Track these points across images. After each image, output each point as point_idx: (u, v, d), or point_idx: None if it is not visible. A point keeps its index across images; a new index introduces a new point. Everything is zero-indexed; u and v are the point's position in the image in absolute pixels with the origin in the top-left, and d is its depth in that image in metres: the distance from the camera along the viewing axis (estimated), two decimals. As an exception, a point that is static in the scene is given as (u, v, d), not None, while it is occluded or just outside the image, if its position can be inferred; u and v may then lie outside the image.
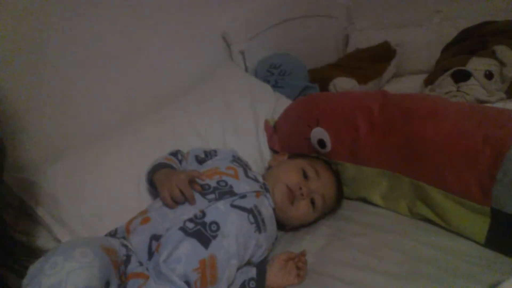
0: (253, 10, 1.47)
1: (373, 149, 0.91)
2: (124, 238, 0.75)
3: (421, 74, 1.54)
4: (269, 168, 1.02)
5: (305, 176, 0.89)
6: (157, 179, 0.83)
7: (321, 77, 1.46)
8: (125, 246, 0.72)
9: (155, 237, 0.72)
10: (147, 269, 0.70)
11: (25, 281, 0.55)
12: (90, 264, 0.55)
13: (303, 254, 0.79)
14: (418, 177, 0.84)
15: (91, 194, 0.86)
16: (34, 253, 0.76)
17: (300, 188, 0.86)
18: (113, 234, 0.78)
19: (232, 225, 0.75)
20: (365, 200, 0.97)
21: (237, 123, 1.12)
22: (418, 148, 0.83)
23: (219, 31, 1.37)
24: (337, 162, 0.97)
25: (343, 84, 1.35)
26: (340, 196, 0.96)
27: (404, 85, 1.55)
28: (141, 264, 0.71)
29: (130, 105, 1.10)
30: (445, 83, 1.23)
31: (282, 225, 0.91)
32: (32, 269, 0.55)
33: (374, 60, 1.57)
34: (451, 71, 1.24)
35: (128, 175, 0.90)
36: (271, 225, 0.84)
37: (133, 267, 0.69)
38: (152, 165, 0.88)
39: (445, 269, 0.73)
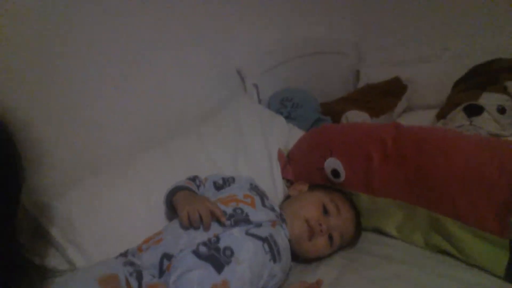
0: (267, 46, 1.53)
1: (387, 180, 0.91)
2: (133, 256, 0.76)
3: (433, 109, 1.55)
4: (288, 197, 1.02)
5: (325, 211, 0.88)
6: (177, 200, 0.84)
7: (333, 110, 1.49)
8: (132, 263, 0.71)
9: (167, 256, 0.72)
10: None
11: None
12: None
13: (318, 283, 0.77)
14: (433, 208, 0.83)
15: (105, 217, 0.87)
16: (47, 274, 0.76)
17: (320, 225, 0.86)
18: (123, 254, 0.78)
19: (247, 252, 0.75)
20: (379, 231, 0.96)
21: (250, 153, 1.14)
22: (432, 179, 0.83)
23: (234, 65, 1.42)
24: (351, 192, 0.97)
25: (356, 117, 1.37)
26: (358, 234, 0.95)
27: (416, 119, 1.56)
28: (154, 277, 0.70)
29: (142, 131, 1.12)
30: (458, 117, 1.24)
31: (295, 256, 0.90)
32: None
33: (385, 94, 1.60)
34: (464, 105, 1.25)
35: (141, 199, 0.92)
36: (286, 255, 0.83)
37: (147, 279, 0.69)
38: (172, 187, 0.89)
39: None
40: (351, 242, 0.93)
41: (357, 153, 0.95)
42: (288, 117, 1.36)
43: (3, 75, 0.85)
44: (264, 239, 0.79)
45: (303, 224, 0.86)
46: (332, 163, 0.97)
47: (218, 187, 0.94)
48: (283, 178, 1.11)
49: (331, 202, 0.90)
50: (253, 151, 1.14)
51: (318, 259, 0.90)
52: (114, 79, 1.06)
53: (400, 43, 1.87)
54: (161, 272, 0.71)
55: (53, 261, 0.81)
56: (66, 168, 0.96)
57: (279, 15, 1.61)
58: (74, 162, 0.98)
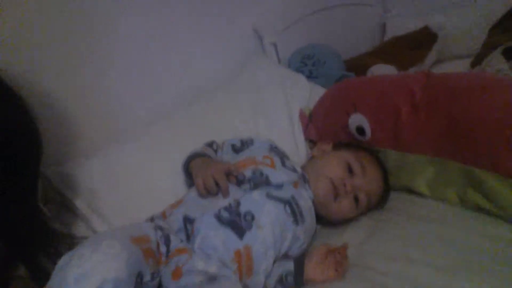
0: (284, 1, 1.44)
1: (417, 134, 0.85)
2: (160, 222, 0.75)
3: (467, 59, 1.44)
4: (312, 158, 0.98)
5: (350, 171, 0.84)
6: (192, 167, 0.82)
7: (357, 65, 1.40)
8: (161, 228, 0.70)
9: (189, 220, 0.71)
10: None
11: (53, 272, 0.55)
12: (116, 256, 0.53)
13: (344, 247, 0.74)
14: (468, 161, 0.77)
15: (127, 186, 0.86)
16: (75, 241, 0.77)
17: (345, 185, 0.81)
18: (150, 219, 0.78)
19: (268, 215, 0.73)
20: (410, 190, 0.91)
21: (271, 115, 1.10)
22: (466, 129, 0.76)
23: (250, 24, 1.35)
24: (378, 149, 0.91)
25: (382, 71, 1.29)
26: (386, 195, 0.90)
27: (448, 70, 1.45)
28: (182, 241, 0.70)
29: (162, 100, 1.10)
30: (495, 61, 1.13)
31: (320, 218, 0.87)
32: (61, 261, 0.55)
33: (414, 46, 1.49)
34: (502, 47, 1.14)
35: (163, 167, 0.90)
36: (309, 217, 0.80)
37: (175, 244, 0.68)
38: (188, 155, 0.87)
39: (497, 260, 0.66)
40: (379, 203, 0.89)
41: (383, 107, 0.88)
42: (309, 76, 1.29)
43: (27, 49, 0.84)
44: (285, 201, 0.76)
45: (327, 184, 0.82)
46: (356, 119, 0.91)
47: (236, 149, 0.91)
48: (306, 139, 1.07)
49: (356, 161, 0.85)
50: (273, 113, 1.10)
51: (345, 221, 0.87)
52: (131, 50, 1.03)
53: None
54: (188, 236, 0.70)
55: (79, 231, 0.82)
56: (90, 137, 0.96)
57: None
58: (97, 132, 0.98)
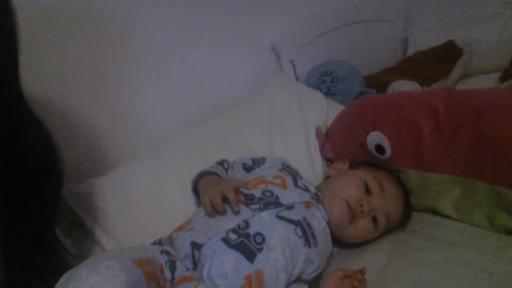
0: (302, 17, 1.43)
1: (440, 153, 0.80)
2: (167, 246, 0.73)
3: (495, 74, 1.38)
4: (327, 177, 0.94)
5: (368, 191, 0.80)
6: (200, 186, 0.80)
7: (378, 82, 1.36)
8: (168, 253, 0.68)
9: (196, 245, 0.68)
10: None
11: None
12: (115, 278, 0.51)
13: (362, 272, 0.69)
14: (497, 181, 0.72)
15: (138, 206, 0.85)
16: None
17: (361, 206, 0.77)
18: (157, 243, 0.75)
19: (278, 237, 0.69)
20: (434, 211, 0.85)
21: (286, 132, 1.07)
22: (494, 147, 0.71)
23: (268, 40, 1.35)
24: (399, 169, 0.87)
25: (403, 87, 1.24)
26: (407, 215, 0.85)
27: (474, 86, 1.39)
28: (188, 269, 0.67)
29: (177, 116, 1.10)
30: (524, 77, 1.08)
31: (337, 241, 0.83)
32: (61, 280, 0.54)
33: (438, 61, 1.44)
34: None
35: (174, 186, 0.89)
36: (323, 239, 0.76)
37: (180, 271, 0.65)
38: (197, 173, 0.85)
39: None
40: (399, 224, 0.84)
41: (404, 125, 0.84)
42: (327, 93, 1.26)
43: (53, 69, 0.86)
44: (296, 223, 0.73)
45: (342, 205, 0.78)
46: (375, 137, 0.87)
47: (247, 168, 0.89)
48: (322, 157, 1.03)
49: (374, 180, 0.81)
50: (289, 131, 1.07)
51: (363, 243, 0.82)
52: (146, 65, 1.04)
53: (455, 2, 1.66)
54: (195, 263, 0.67)
55: (90, 250, 0.81)
56: (101, 155, 0.97)
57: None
58: (111, 150, 0.99)
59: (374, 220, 0.79)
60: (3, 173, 0.56)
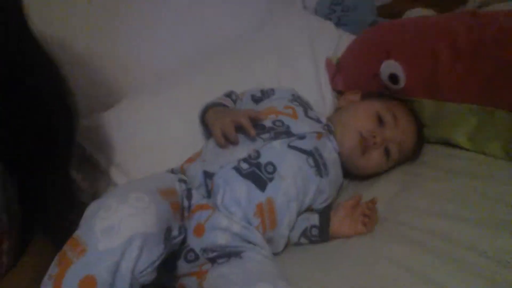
0: None
1: (459, 80, 0.76)
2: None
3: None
4: (338, 109, 0.91)
5: (381, 121, 0.78)
6: (209, 117, 0.78)
7: (391, 12, 1.28)
8: (184, 181, 0.68)
9: (208, 175, 0.68)
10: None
11: (80, 222, 0.53)
12: (145, 210, 0.50)
13: (373, 201, 0.69)
14: (519, 109, 0.69)
15: (146, 138, 0.84)
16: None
17: (374, 136, 0.75)
18: (171, 171, 0.75)
19: (290, 166, 0.68)
20: (447, 142, 0.83)
21: (295, 65, 1.03)
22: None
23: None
24: (412, 99, 0.83)
25: (419, 15, 1.17)
26: (419, 147, 0.83)
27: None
28: (203, 197, 0.67)
29: (182, 50, 1.05)
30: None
31: (348, 172, 0.82)
32: (88, 210, 0.53)
33: (457, -14, 1.34)
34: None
35: (182, 118, 0.87)
36: (334, 169, 0.76)
37: (196, 199, 0.66)
38: (204, 105, 0.82)
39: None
40: (411, 156, 0.82)
41: (421, 51, 0.80)
42: (338, 23, 1.20)
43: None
44: (308, 152, 0.71)
45: (354, 136, 0.76)
46: (389, 66, 0.83)
47: (256, 100, 0.86)
48: (333, 89, 1.00)
49: (387, 110, 0.78)
50: (299, 64, 1.03)
51: (374, 175, 0.81)
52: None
53: None
54: (208, 191, 0.67)
55: (99, 185, 0.81)
56: (109, 90, 0.94)
57: None
58: (116, 84, 0.96)
59: (387, 151, 0.78)
60: (13, 107, 0.54)
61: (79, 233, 0.49)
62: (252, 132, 0.69)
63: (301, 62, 1.03)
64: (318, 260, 0.65)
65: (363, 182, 0.82)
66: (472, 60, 0.74)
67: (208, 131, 0.81)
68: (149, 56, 1.01)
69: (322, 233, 0.68)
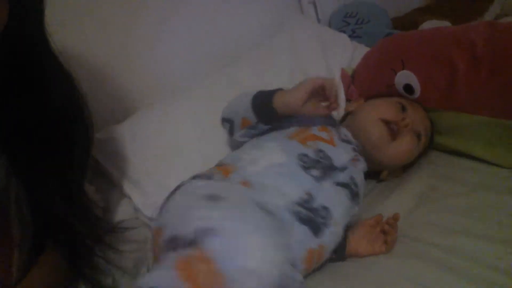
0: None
1: (476, 92, 0.74)
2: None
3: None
4: (348, 114, 0.87)
5: (403, 108, 0.76)
6: (280, 97, 0.71)
7: (407, 23, 1.27)
8: None
9: (260, 205, 0.58)
10: None
11: None
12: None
13: (395, 217, 0.66)
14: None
15: (159, 152, 0.84)
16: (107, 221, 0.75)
17: (404, 119, 0.73)
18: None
19: (341, 209, 0.64)
20: (462, 154, 0.81)
21: (309, 75, 1.02)
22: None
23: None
24: (428, 109, 0.81)
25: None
26: (433, 132, 0.82)
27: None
28: None
29: (195, 61, 1.06)
30: None
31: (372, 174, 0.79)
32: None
33: (473, -1, 1.33)
34: None
35: (196, 131, 0.87)
36: (363, 190, 0.71)
37: None
38: (257, 92, 0.75)
39: None
40: (430, 142, 0.82)
41: (436, 62, 0.78)
42: (352, 36, 1.19)
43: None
44: (347, 185, 0.67)
45: (379, 123, 0.74)
46: (404, 76, 0.82)
47: None
48: (348, 100, 0.98)
49: (403, 100, 0.78)
50: (311, 74, 1.02)
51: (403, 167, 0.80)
52: (162, 10, 0.99)
53: None
54: None
55: (112, 198, 0.81)
56: (119, 102, 0.95)
57: None
58: (127, 96, 0.97)
59: (417, 134, 0.75)
60: (31, 120, 0.55)
61: None
62: (335, 104, 0.68)
63: (315, 73, 1.02)
64: (335, 280, 0.63)
65: (379, 195, 0.80)
66: (491, 72, 0.72)
67: (266, 121, 0.73)
68: (163, 68, 1.01)
69: (339, 252, 0.65)
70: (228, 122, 0.80)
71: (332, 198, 0.63)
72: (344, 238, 0.66)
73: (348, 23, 1.23)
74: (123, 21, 0.93)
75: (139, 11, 0.95)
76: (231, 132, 0.80)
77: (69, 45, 0.82)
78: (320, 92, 0.68)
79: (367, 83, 0.94)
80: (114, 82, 0.93)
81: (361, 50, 1.09)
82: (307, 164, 0.65)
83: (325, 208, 0.62)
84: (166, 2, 0.99)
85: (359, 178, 0.70)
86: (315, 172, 0.64)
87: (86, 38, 0.88)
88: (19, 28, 0.49)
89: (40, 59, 0.55)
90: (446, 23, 1.16)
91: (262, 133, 0.74)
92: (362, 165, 0.72)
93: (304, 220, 0.59)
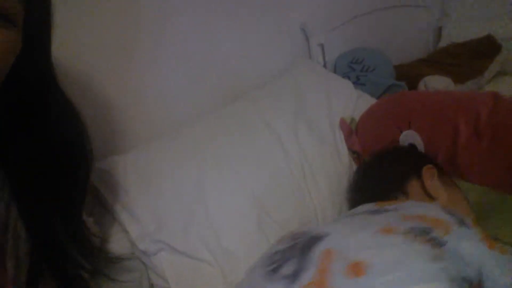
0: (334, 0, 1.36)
1: (476, 160, 0.77)
2: None
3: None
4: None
5: None
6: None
7: (409, 74, 1.31)
8: None
9: None
10: None
11: None
12: None
13: None
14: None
15: (159, 185, 0.84)
16: (105, 252, 0.75)
17: None
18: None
19: None
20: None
21: (312, 120, 1.03)
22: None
23: (298, 22, 1.29)
24: (430, 171, 0.83)
25: (436, 83, 1.19)
26: None
27: (509, 85, 1.33)
28: None
29: (201, 97, 1.07)
30: None
31: None
32: None
33: (474, 56, 1.37)
34: None
35: (193, 165, 0.87)
36: None
37: None
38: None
39: None
40: None
41: (442, 126, 0.81)
42: (356, 82, 1.22)
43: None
44: None
45: None
46: (409, 136, 0.84)
47: None
48: (348, 148, 1.00)
49: None
50: (314, 119, 1.04)
51: None
52: (172, 48, 1.01)
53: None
54: None
55: (109, 231, 0.80)
56: (128, 135, 0.96)
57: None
58: (135, 129, 0.97)
59: None
60: (32, 148, 0.55)
61: None
62: None
63: (318, 119, 1.03)
64: None
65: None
66: (491, 143, 0.75)
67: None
68: (167, 102, 1.02)
69: None
70: None
71: None
72: None
73: (354, 69, 1.26)
74: (131, 49, 0.94)
75: (150, 41, 0.96)
76: None
77: (74, 76, 0.83)
78: None
79: (372, 137, 0.96)
80: (118, 114, 0.94)
81: (365, 99, 1.12)
82: None
83: None
84: (179, 34, 1.01)
85: None
86: None
87: (91, 70, 0.88)
88: (28, 58, 0.50)
89: (47, 91, 0.56)
90: (448, 80, 1.20)
91: None
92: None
93: None
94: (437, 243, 0.49)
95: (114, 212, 0.82)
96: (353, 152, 1.01)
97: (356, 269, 0.47)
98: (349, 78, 1.22)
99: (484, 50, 1.38)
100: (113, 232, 0.80)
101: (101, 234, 0.78)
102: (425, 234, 0.50)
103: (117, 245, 0.79)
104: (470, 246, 0.49)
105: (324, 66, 1.29)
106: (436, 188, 0.72)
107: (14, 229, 0.57)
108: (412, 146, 0.84)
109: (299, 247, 0.55)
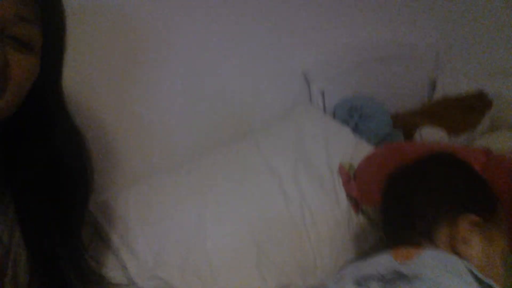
0: (336, 48, 1.43)
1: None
2: None
3: (521, 130, 1.37)
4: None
5: None
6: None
7: (404, 123, 1.36)
8: None
9: None
10: None
11: None
12: None
13: None
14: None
15: (157, 224, 0.85)
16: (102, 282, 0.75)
17: None
18: None
19: None
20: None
21: (311, 164, 1.07)
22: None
23: (300, 68, 1.35)
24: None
25: (431, 135, 1.24)
26: None
27: (501, 140, 1.38)
28: None
29: (202, 133, 1.10)
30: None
31: None
32: None
33: (466, 110, 1.43)
34: None
35: (194, 205, 0.89)
36: None
37: None
38: None
39: None
40: None
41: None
42: (355, 129, 1.26)
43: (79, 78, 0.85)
44: None
45: None
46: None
47: None
48: (347, 194, 1.02)
49: None
50: (314, 163, 1.07)
51: None
52: (175, 88, 1.05)
53: (488, 51, 1.67)
54: None
55: (107, 264, 0.80)
56: (130, 168, 0.98)
57: (350, 15, 1.50)
58: (137, 162, 0.99)
59: None
60: (37, 172, 0.57)
61: None
62: None
63: (317, 164, 1.06)
64: None
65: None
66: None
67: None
68: (169, 140, 1.05)
69: None
70: None
71: None
72: None
73: (353, 116, 1.30)
74: (133, 81, 0.97)
75: (154, 76, 0.99)
76: None
77: (81, 107, 0.86)
78: None
79: (369, 183, 0.98)
80: (117, 145, 0.96)
81: (363, 146, 1.15)
82: None
83: None
84: (182, 69, 1.05)
85: None
86: None
87: (95, 100, 0.91)
88: (42, 82, 0.51)
89: (56, 115, 0.58)
90: (442, 133, 1.25)
91: None
92: None
93: None
94: None
95: (113, 247, 0.82)
96: (350, 198, 1.04)
97: None
98: (348, 124, 1.26)
99: (475, 105, 1.44)
100: (111, 267, 0.80)
101: (99, 269, 0.78)
102: None
103: (114, 280, 0.78)
104: None
105: (324, 111, 1.33)
106: (470, 246, 0.61)
107: (14, 260, 0.58)
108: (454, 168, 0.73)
109: None
